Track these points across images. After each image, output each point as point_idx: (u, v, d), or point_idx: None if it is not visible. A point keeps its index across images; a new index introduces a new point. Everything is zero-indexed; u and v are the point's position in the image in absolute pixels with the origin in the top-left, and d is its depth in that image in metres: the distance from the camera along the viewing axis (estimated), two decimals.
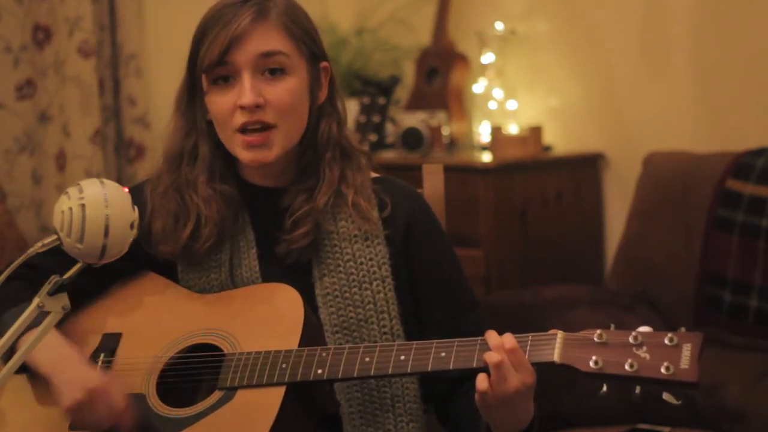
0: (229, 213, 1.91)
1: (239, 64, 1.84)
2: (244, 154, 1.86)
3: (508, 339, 1.67)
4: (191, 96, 1.92)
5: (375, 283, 1.88)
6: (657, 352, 1.59)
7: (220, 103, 1.86)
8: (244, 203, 1.93)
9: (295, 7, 1.92)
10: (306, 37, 1.90)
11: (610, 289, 3.28)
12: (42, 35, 3.50)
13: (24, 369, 1.85)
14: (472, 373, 1.77)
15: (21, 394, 1.90)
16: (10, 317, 1.80)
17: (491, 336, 1.68)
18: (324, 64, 1.93)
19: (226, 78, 1.86)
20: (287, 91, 1.86)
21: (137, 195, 1.85)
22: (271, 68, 1.86)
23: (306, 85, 1.90)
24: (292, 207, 1.89)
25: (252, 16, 1.85)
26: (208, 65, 1.85)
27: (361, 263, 1.89)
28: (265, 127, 1.85)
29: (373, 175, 1.96)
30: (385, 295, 1.88)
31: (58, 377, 1.82)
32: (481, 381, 1.65)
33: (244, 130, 1.85)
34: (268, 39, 1.86)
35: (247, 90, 1.84)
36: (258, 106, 1.84)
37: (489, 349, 1.67)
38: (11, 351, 1.63)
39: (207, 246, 1.90)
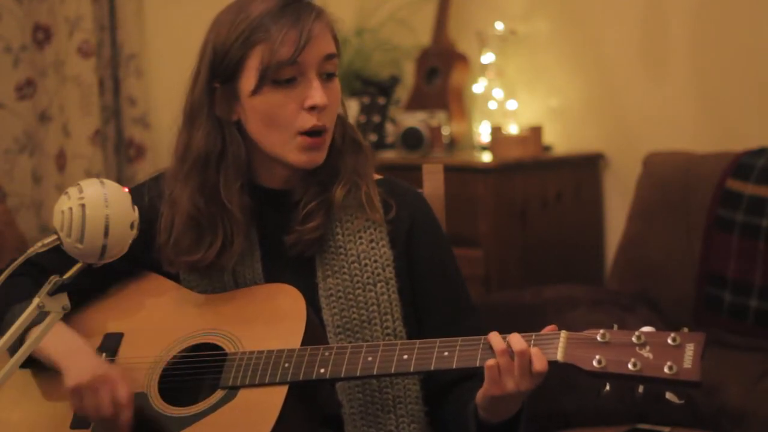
0: (247, 221, 1.88)
1: (307, 65, 1.81)
2: (299, 157, 1.83)
3: (516, 341, 1.67)
4: (211, 96, 1.86)
5: (379, 285, 1.88)
6: (660, 352, 1.60)
7: (282, 104, 1.81)
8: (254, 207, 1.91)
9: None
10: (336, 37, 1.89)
11: (610, 289, 3.28)
12: (42, 35, 3.50)
13: (29, 364, 1.85)
14: (465, 375, 1.78)
15: (26, 389, 1.91)
16: (17, 311, 1.80)
17: (494, 339, 1.68)
18: None
19: (291, 79, 1.81)
20: (338, 94, 1.86)
21: (138, 195, 1.84)
22: (329, 72, 1.84)
23: None
24: (305, 200, 1.87)
25: (314, 16, 1.81)
26: (278, 64, 1.79)
27: (366, 264, 1.88)
28: (324, 130, 1.84)
29: (376, 176, 1.95)
30: (389, 297, 1.88)
31: (66, 361, 1.83)
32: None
33: (310, 132, 1.82)
34: (328, 40, 1.84)
35: (320, 91, 1.81)
36: (324, 108, 1.82)
37: (491, 349, 1.67)
38: (18, 345, 1.63)
39: (235, 258, 1.87)
